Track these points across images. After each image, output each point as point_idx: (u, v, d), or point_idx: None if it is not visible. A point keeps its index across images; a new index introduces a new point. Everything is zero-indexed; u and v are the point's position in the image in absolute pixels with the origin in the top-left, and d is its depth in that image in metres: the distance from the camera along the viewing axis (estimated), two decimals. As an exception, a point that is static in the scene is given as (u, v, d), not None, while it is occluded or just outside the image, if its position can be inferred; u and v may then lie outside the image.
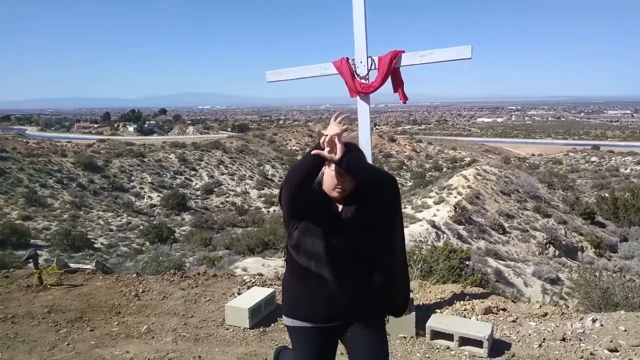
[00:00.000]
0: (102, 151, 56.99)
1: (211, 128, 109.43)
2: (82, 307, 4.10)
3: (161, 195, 47.57)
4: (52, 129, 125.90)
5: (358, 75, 3.95)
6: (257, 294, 4.09)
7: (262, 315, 3.95)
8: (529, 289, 13.84)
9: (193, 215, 41.44)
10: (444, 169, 58.45)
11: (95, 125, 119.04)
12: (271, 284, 4.72)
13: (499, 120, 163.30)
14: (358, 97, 3.98)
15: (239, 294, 4.35)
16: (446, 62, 3.81)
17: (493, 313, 4.06)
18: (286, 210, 1.98)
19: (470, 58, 3.69)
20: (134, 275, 4.87)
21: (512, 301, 4.47)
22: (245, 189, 51.22)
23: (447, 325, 3.58)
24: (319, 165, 1.91)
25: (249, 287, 4.54)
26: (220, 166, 53.70)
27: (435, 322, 3.65)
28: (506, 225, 20.14)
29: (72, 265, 5.26)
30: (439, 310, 4.07)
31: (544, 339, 3.54)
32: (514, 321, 3.91)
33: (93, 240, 35.01)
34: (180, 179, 50.90)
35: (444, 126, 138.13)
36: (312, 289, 1.99)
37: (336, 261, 1.97)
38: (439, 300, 4.32)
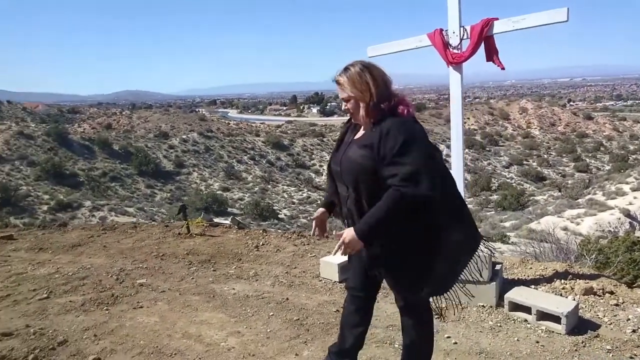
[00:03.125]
0: (288, 131, 62.02)
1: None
2: (212, 252, 5.05)
3: (338, 172, 50.03)
4: (249, 111, 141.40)
5: (450, 45, 3.98)
6: (354, 254, 4.48)
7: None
8: None
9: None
10: (653, 151, 50.09)
11: (284, 108, 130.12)
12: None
13: None
14: (450, 68, 4.01)
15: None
16: (541, 26, 3.62)
17: (595, 294, 3.77)
18: None
19: (566, 21, 3.47)
20: (261, 231, 5.70)
21: (628, 286, 4.05)
22: (418, 168, 51.07)
23: (527, 298, 3.50)
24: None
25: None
26: (394, 145, 54.43)
27: (515, 294, 3.59)
28: None
29: (215, 220, 6.31)
30: (533, 286, 3.94)
31: (644, 326, 3.24)
32: (616, 305, 3.60)
33: (278, 212, 38.98)
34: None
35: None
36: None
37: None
38: (538, 277, 4.15)
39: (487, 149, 58.62)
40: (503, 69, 3.89)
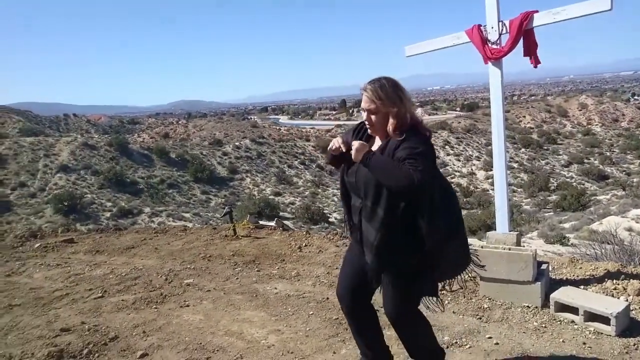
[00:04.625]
0: (338, 135, 62.04)
1: (439, 109, 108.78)
2: (257, 254, 5.17)
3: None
4: (299, 117, 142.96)
5: (489, 41, 3.90)
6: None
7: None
8: None
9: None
10: None
11: (334, 112, 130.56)
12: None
13: None
14: (490, 64, 3.93)
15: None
16: (583, 17, 3.49)
17: (651, 295, 3.57)
18: None
19: (610, 9, 3.33)
20: (304, 232, 5.78)
21: (689, 287, 3.79)
22: (472, 169, 49.73)
23: (574, 299, 3.37)
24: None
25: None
26: (446, 147, 53.25)
27: (562, 294, 3.46)
28: None
29: (261, 222, 6.46)
30: (582, 287, 3.78)
31: None
32: (673, 306, 3.40)
33: (328, 215, 39.11)
34: (406, 160, 52.24)
35: None
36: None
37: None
38: (588, 277, 3.98)
39: (545, 147, 56.29)
40: (536, 66, 3.78)
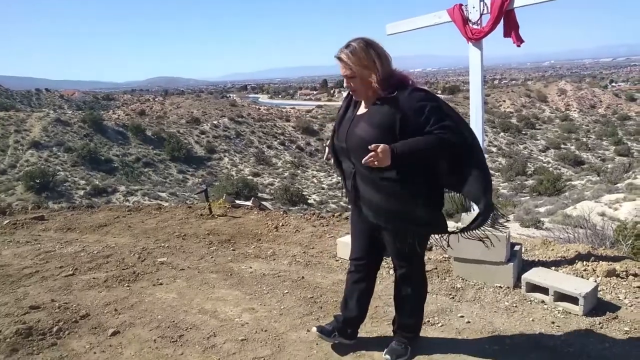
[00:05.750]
0: (319, 116, 61.89)
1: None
2: (233, 233, 5.13)
3: (366, 156, 49.93)
4: (279, 96, 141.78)
5: (470, 20, 3.87)
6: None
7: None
8: None
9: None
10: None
11: (315, 92, 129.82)
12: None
13: None
14: (470, 44, 3.90)
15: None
16: (563, -2, 3.49)
17: (618, 277, 3.66)
18: None
19: (590, -10, 3.33)
20: (281, 212, 5.76)
21: (655, 269, 3.90)
22: (450, 152, 50.27)
23: (544, 279, 3.43)
24: None
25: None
26: (424, 129, 53.67)
27: (533, 275, 3.52)
28: None
29: (237, 202, 6.40)
30: (553, 268, 3.85)
31: (667, 309, 3.13)
32: (639, 287, 3.49)
33: (307, 197, 39.17)
34: (385, 141, 52.40)
35: None
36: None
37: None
38: (559, 258, 4.06)
39: (524, 132, 57.12)
40: (519, 45, 3.78)
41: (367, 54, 2.18)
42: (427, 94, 2.20)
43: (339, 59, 2.23)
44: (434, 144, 2.12)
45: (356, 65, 2.19)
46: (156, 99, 75.64)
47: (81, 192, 34.05)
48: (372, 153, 2.10)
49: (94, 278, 4.05)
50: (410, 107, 2.15)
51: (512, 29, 3.75)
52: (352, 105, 2.41)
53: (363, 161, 2.13)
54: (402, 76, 2.24)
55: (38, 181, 32.52)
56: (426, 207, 2.29)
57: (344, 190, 2.53)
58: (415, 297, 2.60)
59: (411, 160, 2.15)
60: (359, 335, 2.82)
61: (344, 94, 2.46)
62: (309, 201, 38.28)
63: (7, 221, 6.00)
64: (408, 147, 2.13)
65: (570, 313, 3.20)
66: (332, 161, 2.52)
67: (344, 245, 4.29)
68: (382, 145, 2.09)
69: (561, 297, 3.30)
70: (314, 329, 2.78)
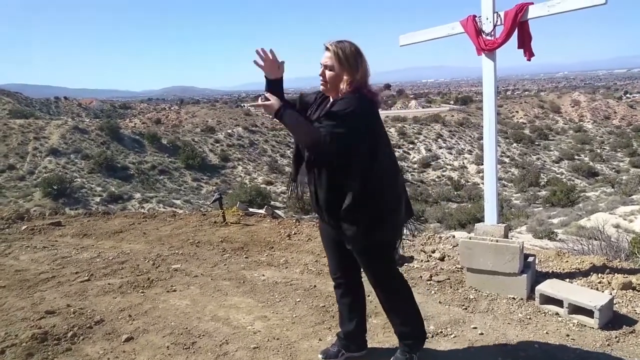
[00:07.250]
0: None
1: (433, 101, 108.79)
2: (246, 240, 5.17)
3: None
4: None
5: (483, 32, 3.89)
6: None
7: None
8: None
9: (409, 187, 42.51)
10: None
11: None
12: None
13: None
14: (483, 55, 3.91)
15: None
16: (578, 10, 3.48)
17: (634, 289, 3.61)
18: None
19: (605, 3, 3.33)
20: (294, 220, 5.78)
21: (673, 282, 3.84)
22: (463, 163, 49.92)
23: (559, 291, 3.39)
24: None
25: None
26: (439, 140, 53.36)
27: (547, 286, 3.49)
28: None
29: (250, 210, 6.44)
30: (568, 280, 3.82)
31: (685, 323, 3.08)
32: (656, 301, 3.44)
33: (319, 205, 39.14)
34: (398, 152, 52.30)
35: None
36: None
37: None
38: (574, 270, 4.01)
39: (537, 143, 56.60)
40: (529, 59, 3.77)
41: (354, 58, 2.26)
42: (358, 99, 2.20)
43: (328, 48, 2.28)
44: (305, 130, 2.19)
45: (339, 61, 2.25)
46: (172, 108, 76.56)
47: (97, 199, 34.44)
48: (266, 102, 2.26)
49: (109, 284, 4.10)
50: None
51: (525, 40, 3.76)
52: (317, 103, 2.47)
53: (255, 103, 2.30)
54: (371, 92, 2.29)
55: (55, 187, 32.98)
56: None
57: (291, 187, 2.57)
58: (399, 305, 2.57)
59: (286, 127, 2.27)
60: (371, 346, 2.82)
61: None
62: (320, 210, 38.24)
63: (25, 227, 6.11)
64: (289, 118, 2.24)
65: (585, 326, 3.16)
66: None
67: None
68: (275, 101, 2.26)
69: (576, 309, 3.26)
70: (320, 356, 2.77)
